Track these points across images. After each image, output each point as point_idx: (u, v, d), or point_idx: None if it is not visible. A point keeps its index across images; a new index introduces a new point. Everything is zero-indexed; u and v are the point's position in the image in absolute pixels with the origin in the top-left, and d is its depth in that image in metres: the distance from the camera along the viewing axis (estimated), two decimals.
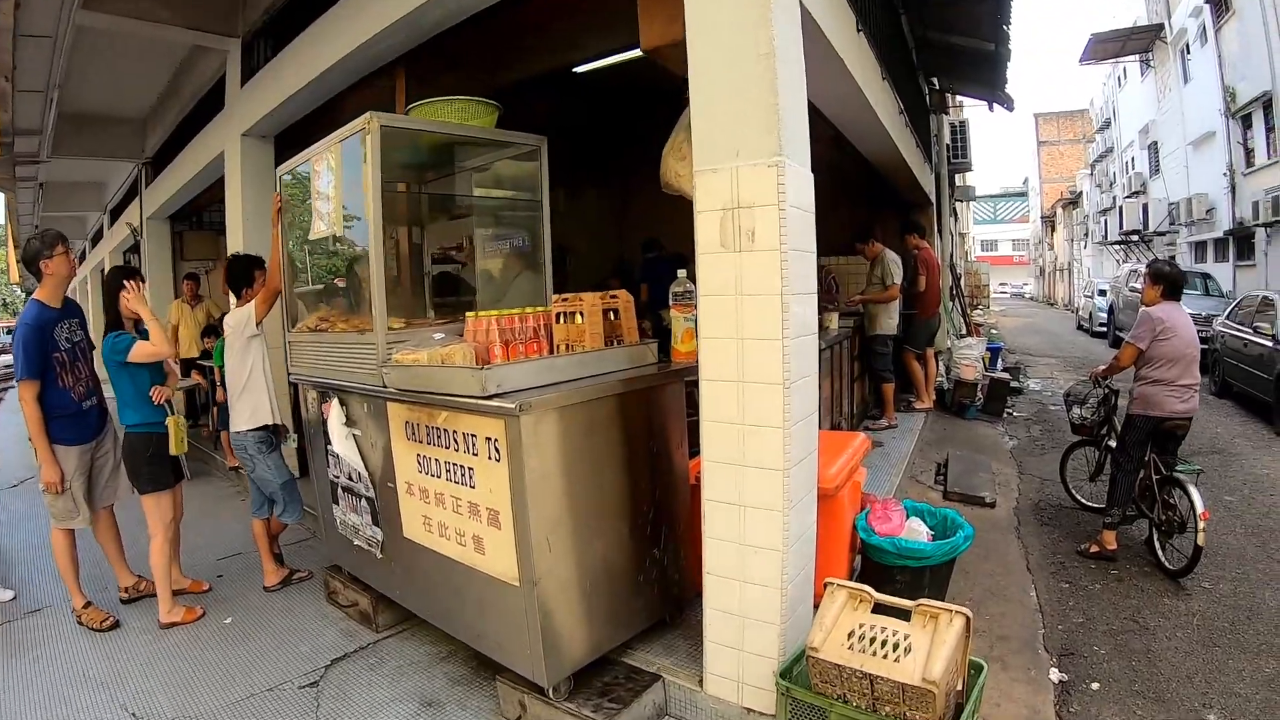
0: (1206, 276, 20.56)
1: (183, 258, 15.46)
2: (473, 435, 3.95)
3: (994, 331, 19.80)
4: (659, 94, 5.46)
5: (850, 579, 4.91)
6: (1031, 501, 8.07)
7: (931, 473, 8.56)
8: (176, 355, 10.04)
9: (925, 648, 3.13)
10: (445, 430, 4.15)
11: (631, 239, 12.85)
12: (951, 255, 15.82)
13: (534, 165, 5.66)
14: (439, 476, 4.26)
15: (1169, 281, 6.32)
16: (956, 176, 18.59)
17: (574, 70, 8.81)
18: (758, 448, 3.65)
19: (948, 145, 15.17)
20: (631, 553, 4.34)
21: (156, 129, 13.50)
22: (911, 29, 11.30)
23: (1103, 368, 6.95)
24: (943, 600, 4.91)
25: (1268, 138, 20.36)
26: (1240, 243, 22.39)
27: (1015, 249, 74.41)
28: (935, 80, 13.99)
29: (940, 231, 14.13)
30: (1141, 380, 6.25)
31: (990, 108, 13.77)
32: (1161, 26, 28.08)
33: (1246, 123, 21.73)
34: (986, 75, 11.80)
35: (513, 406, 3.62)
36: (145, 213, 14.66)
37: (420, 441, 4.36)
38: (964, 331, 15.65)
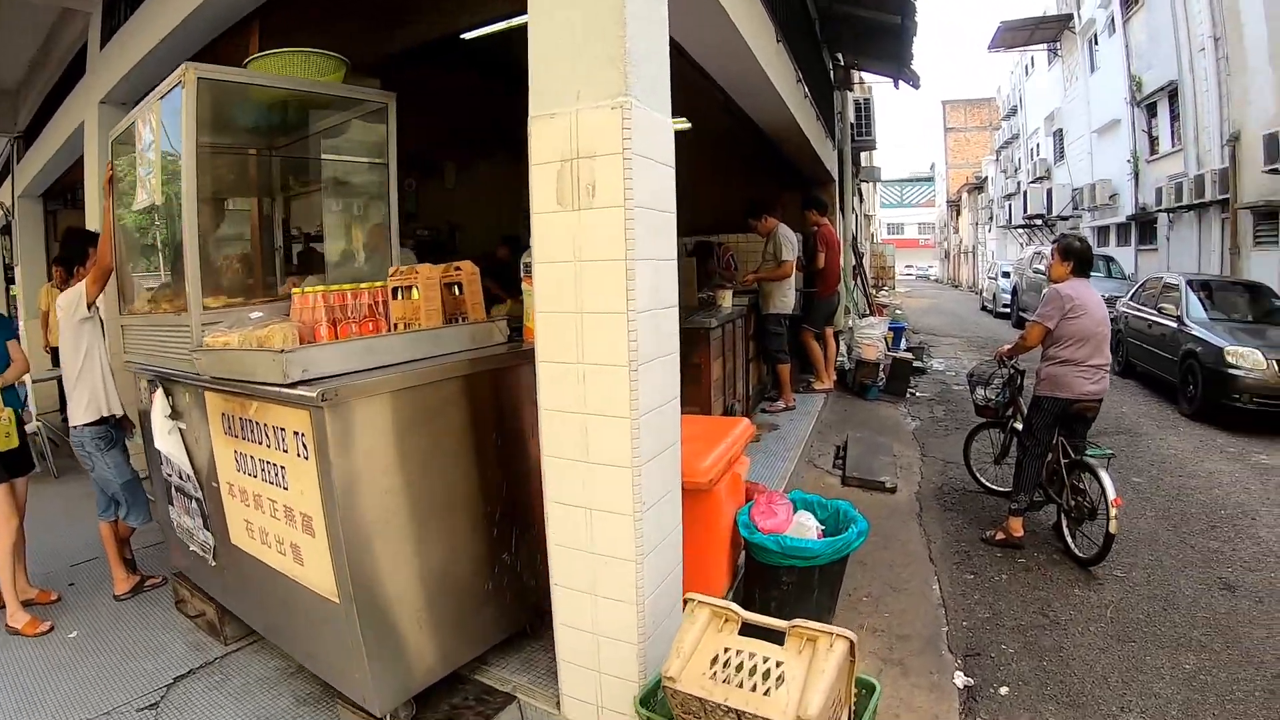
0: (1109, 259, 20.80)
1: (56, 239, 14.40)
2: (282, 429, 3.32)
3: (898, 312, 19.65)
4: None
5: (733, 581, 4.44)
6: (934, 485, 7.64)
7: (830, 456, 8.12)
8: (46, 345, 9.23)
9: (801, 678, 2.58)
10: (257, 423, 3.51)
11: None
12: (855, 235, 15.44)
13: (384, 127, 5.03)
14: (255, 476, 3.63)
15: (1078, 257, 5.87)
16: (862, 155, 18.36)
17: (462, 37, 8.12)
18: (602, 441, 3.09)
19: (852, 123, 14.79)
20: (478, 557, 3.76)
21: (27, 100, 12.45)
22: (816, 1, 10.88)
23: (1008, 347, 6.54)
24: (834, 602, 4.45)
25: (1172, 126, 20.57)
26: (1143, 227, 22.73)
27: (921, 232, 75.73)
28: (840, 56, 13.62)
29: (843, 209, 13.74)
30: (1049, 360, 5.83)
31: (896, 85, 13.45)
32: (1070, 16, 28.30)
33: (1151, 111, 22.00)
34: (892, 50, 11.44)
35: (314, 396, 3.02)
36: (16, 191, 13.51)
37: (236, 436, 3.71)
38: (866, 311, 15.28)
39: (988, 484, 7.30)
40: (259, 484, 3.59)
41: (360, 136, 5.31)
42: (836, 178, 13.05)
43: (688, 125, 10.20)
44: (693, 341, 7.32)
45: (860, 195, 23.13)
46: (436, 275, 3.93)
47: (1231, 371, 10.01)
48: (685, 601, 3.02)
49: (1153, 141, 22.07)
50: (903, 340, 14.90)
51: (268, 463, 3.49)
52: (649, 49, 3.10)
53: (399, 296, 3.91)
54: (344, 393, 3.09)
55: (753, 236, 9.85)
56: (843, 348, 11.81)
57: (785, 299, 9.25)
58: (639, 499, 3.03)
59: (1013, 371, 6.69)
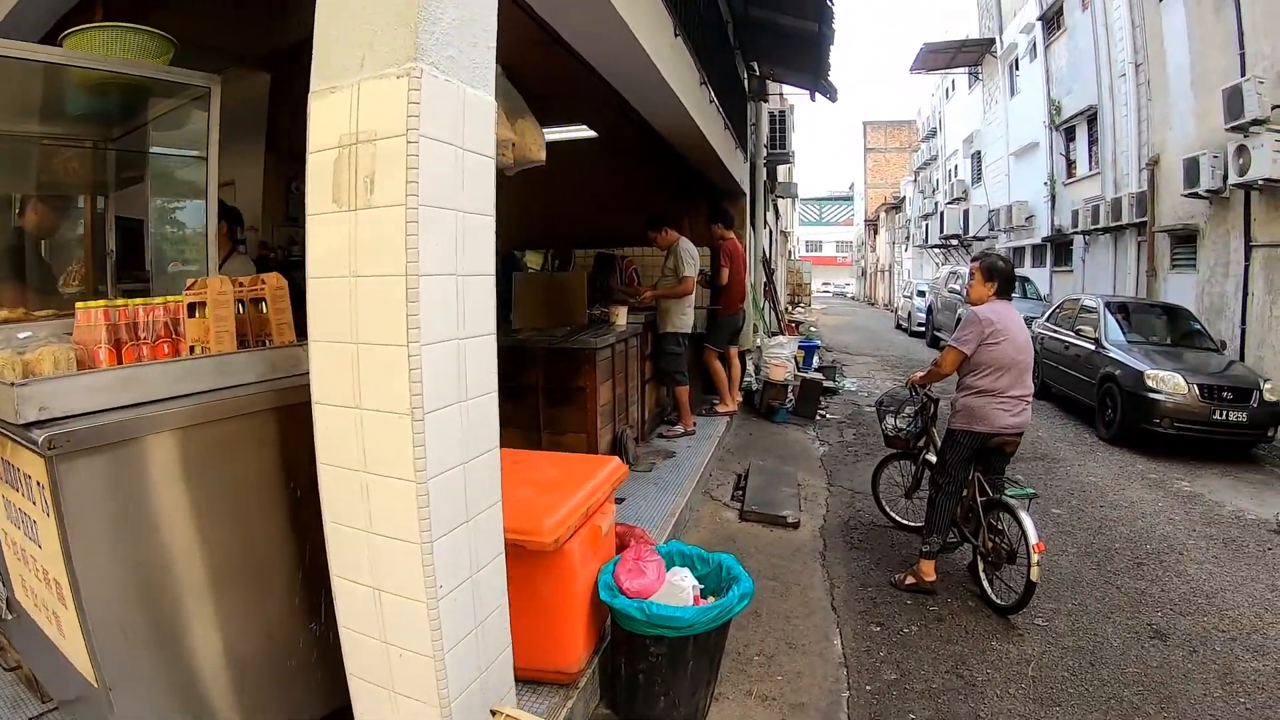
0: (1025, 280, 20.59)
1: None
2: (29, 476, 2.56)
3: (813, 329, 19.23)
4: None
5: (596, 650, 3.76)
6: (841, 520, 7.01)
7: (730, 486, 7.52)
8: None
9: None
10: (14, 467, 2.71)
11: None
12: (766, 250, 14.83)
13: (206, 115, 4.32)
14: (19, 528, 2.84)
15: (1003, 278, 5.30)
16: (779, 170, 17.88)
17: None
18: (385, 508, 2.41)
19: (766, 136, 14.26)
20: (279, 630, 3.00)
21: None
22: (730, 3, 10.29)
23: (920, 374, 5.93)
24: (714, 674, 3.79)
25: (1090, 150, 20.57)
26: (1058, 249, 22.73)
27: (839, 250, 76.21)
28: (756, 65, 13.07)
29: (754, 225, 13.16)
30: (966, 390, 5.24)
31: (813, 97, 12.96)
32: (993, 41, 28.43)
33: (1070, 135, 22.03)
34: (809, 60, 10.92)
35: (40, 441, 2.26)
36: None
37: (3, 480, 2.90)
38: (776, 330, 14.68)
39: (898, 518, 6.71)
40: (22, 537, 2.83)
41: (199, 125, 4.50)
42: (748, 191, 12.42)
43: (592, 134, 9.65)
44: (577, 363, 6.78)
45: (777, 211, 22.70)
46: (230, 289, 3.17)
47: (1152, 396, 9.72)
48: (492, 715, 2.33)
49: (1070, 165, 22.10)
50: (815, 359, 14.36)
51: (24, 514, 2.73)
52: (460, 6, 2.42)
53: (195, 314, 3.15)
54: (80, 438, 2.35)
55: (657, 250, 9.21)
56: (750, 368, 11.24)
57: (684, 317, 8.62)
58: (434, 581, 2.36)
59: (925, 399, 6.09)
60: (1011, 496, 5.21)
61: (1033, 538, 4.80)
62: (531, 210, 11.74)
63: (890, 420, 6.15)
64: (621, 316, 7.76)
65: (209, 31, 5.20)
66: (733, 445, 9.17)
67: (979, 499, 5.32)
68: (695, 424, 8.90)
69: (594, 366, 6.73)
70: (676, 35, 6.27)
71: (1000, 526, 5.22)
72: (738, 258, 9.52)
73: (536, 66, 6.02)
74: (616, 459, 4.13)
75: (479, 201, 2.59)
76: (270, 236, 10.16)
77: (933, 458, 5.88)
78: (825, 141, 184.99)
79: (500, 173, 3.60)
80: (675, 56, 6.33)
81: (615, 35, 5.17)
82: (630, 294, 9.23)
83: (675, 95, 6.48)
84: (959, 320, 5.46)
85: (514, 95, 5.43)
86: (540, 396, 7.01)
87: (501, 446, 2.87)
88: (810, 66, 11.21)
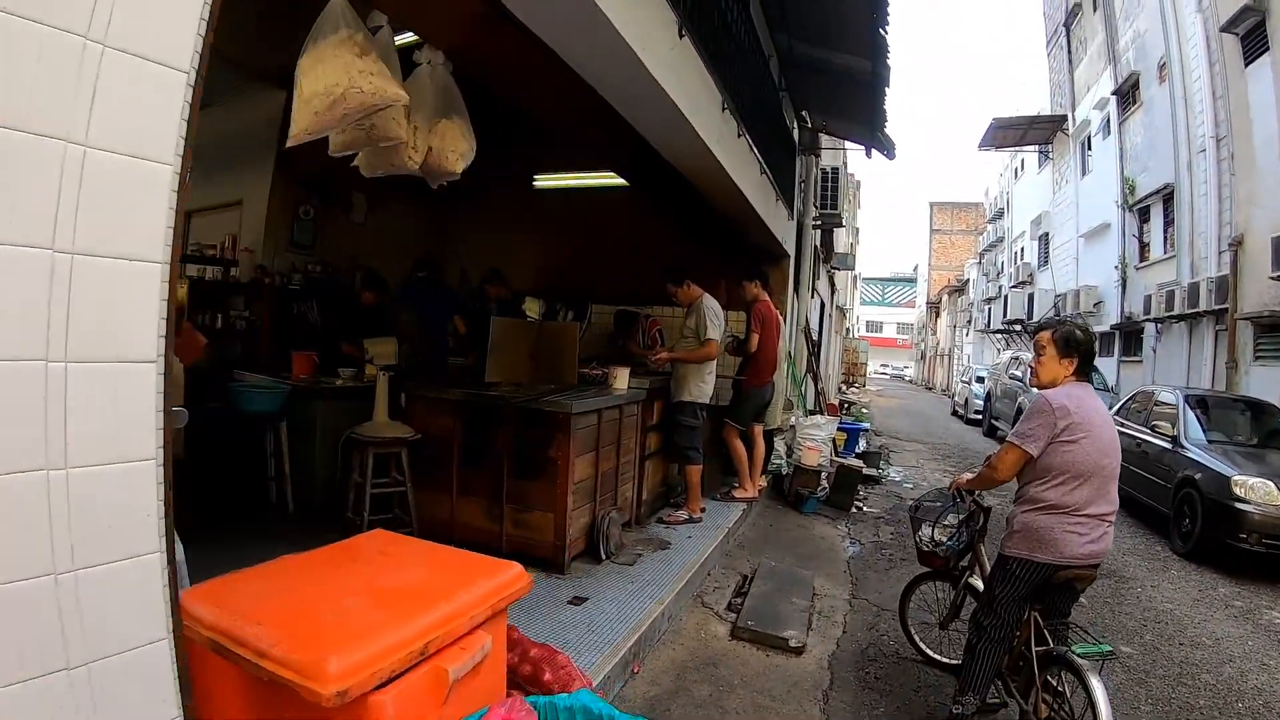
0: (1093, 369, 18.92)
1: None
2: None
3: (863, 411, 17.80)
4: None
5: None
6: (858, 646, 5.58)
7: (729, 591, 6.22)
8: None
9: None
10: None
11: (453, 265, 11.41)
12: (809, 319, 13.43)
13: None
14: None
15: (1084, 352, 3.94)
16: (836, 240, 16.67)
17: None
18: None
19: (818, 195, 13.00)
20: None
21: None
22: (773, 35, 9.15)
23: (969, 476, 4.47)
24: None
25: (1165, 231, 19.17)
26: (1128, 337, 21.16)
27: (900, 332, 74.84)
28: (807, 115, 11.88)
29: (799, 290, 11.87)
30: (1029, 504, 3.82)
31: (868, 153, 11.76)
32: (1065, 118, 27.18)
33: (1144, 216, 20.64)
34: (865, 107, 9.72)
35: None
36: None
37: None
38: (815, 408, 13.32)
39: (929, 652, 5.26)
40: None
41: None
42: (792, 253, 11.18)
43: (622, 182, 8.74)
44: (548, 429, 5.68)
45: (832, 284, 21.39)
46: None
47: (1238, 506, 8.22)
48: None
49: (1143, 247, 20.63)
50: (859, 443, 12.85)
51: None
52: None
53: None
54: None
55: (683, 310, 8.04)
56: (782, 449, 9.89)
57: (703, 385, 7.41)
58: None
59: (974, 508, 4.62)
60: (1080, 653, 3.67)
61: (1104, 712, 3.37)
62: (548, 256, 10.75)
63: (926, 531, 4.75)
64: (622, 379, 6.62)
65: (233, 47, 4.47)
66: (746, 538, 7.87)
67: (1034, 648, 3.87)
68: (704, 510, 7.63)
69: (568, 435, 5.58)
70: (682, 36, 5.04)
71: (1060, 688, 3.77)
72: (771, 323, 8.29)
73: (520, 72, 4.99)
74: (518, 567, 2.83)
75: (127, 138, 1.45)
76: (271, 261, 9.38)
77: (977, 582, 4.54)
78: (891, 222, 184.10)
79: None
80: (679, 61, 5.08)
81: (603, 40, 3.98)
82: (648, 358, 8.04)
83: (678, 111, 5.22)
84: (1019, 411, 4.08)
85: (449, 91, 4.29)
86: (505, 464, 5.86)
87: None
88: (865, 115, 10.00)
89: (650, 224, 9.96)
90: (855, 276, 38.28)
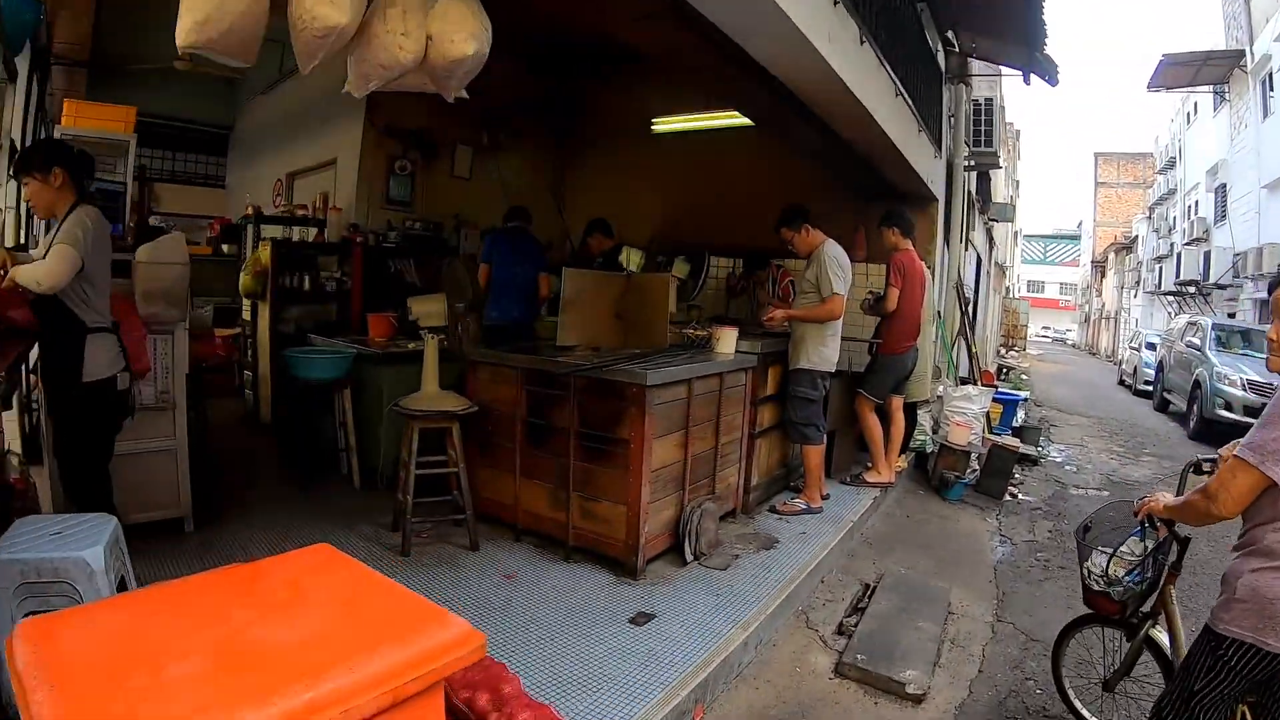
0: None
1: None
2: None
3: (1023, 378, 16.05)
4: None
5: None
6: (996, 693, 4.23)
7: (843, 606, 5.05)
8: None
9: None
10: None
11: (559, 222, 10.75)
12: (960, 274, 11.65)
13: None
14: None
15: None
16: (992, 188, 14.99)
17: None
18: None
19: (969, 132, 11.29)
20: None
21: None
22: None
23: (1168, 500, 2.95)
24: None
25: None
26: None
27: (1063, 292, 70.48)
28: (954, 35, 10.31)
29: (949, 240, 10.41)
30: (1262, 559, 2.39)
31: (1026, 79, 9.94)
32: (1242, 54, 24.22)
33: None
34: (1017, 22, 8.33)
35: None
36: None
37: None
38: (966, 376, 11.63)
39: (1087, 717, 3.87)
40: None
41: None
42: (941, 197, 9.74)
43: (747, 122, 7.59)
44: (620, 404, 4.64)
45: (991, 239, 19.43)
46: None
47: None
48: None
49: None
50: (1016, 414, 11.12)
51: None
52: None
53: None
54: None
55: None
56: (927, 423, 8.53)
57: (824, 350, 6.21)
58: None
59: (1166, 538, 3.21)
60: None
61: None
62: (665, 205, 9.79)
63: (1099, 561, 3.33)
64: (728, 341, 5.59)
65: None
66: (874, 533, 6.64)
67: None
68: (826, 498, 6.50)
69: (643, 411, 4.52)
70: None
71: None
72: (914, 276, 7.03)
73: None
74: (464, 626, 1.78)
75: None
76: (365, 219, 9.02)
77: (1162, 637, 3.27)
78: (1053, 175, 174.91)
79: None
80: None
81: None
82: (768, 308, 6.87)
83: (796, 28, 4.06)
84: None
85: None
86: (573, 444, 4.84)
87: None
88: (1022, 30, 8.50)
89: (776, 167, 8.73)
90: (1016, 232, 35.82)
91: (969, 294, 12.55)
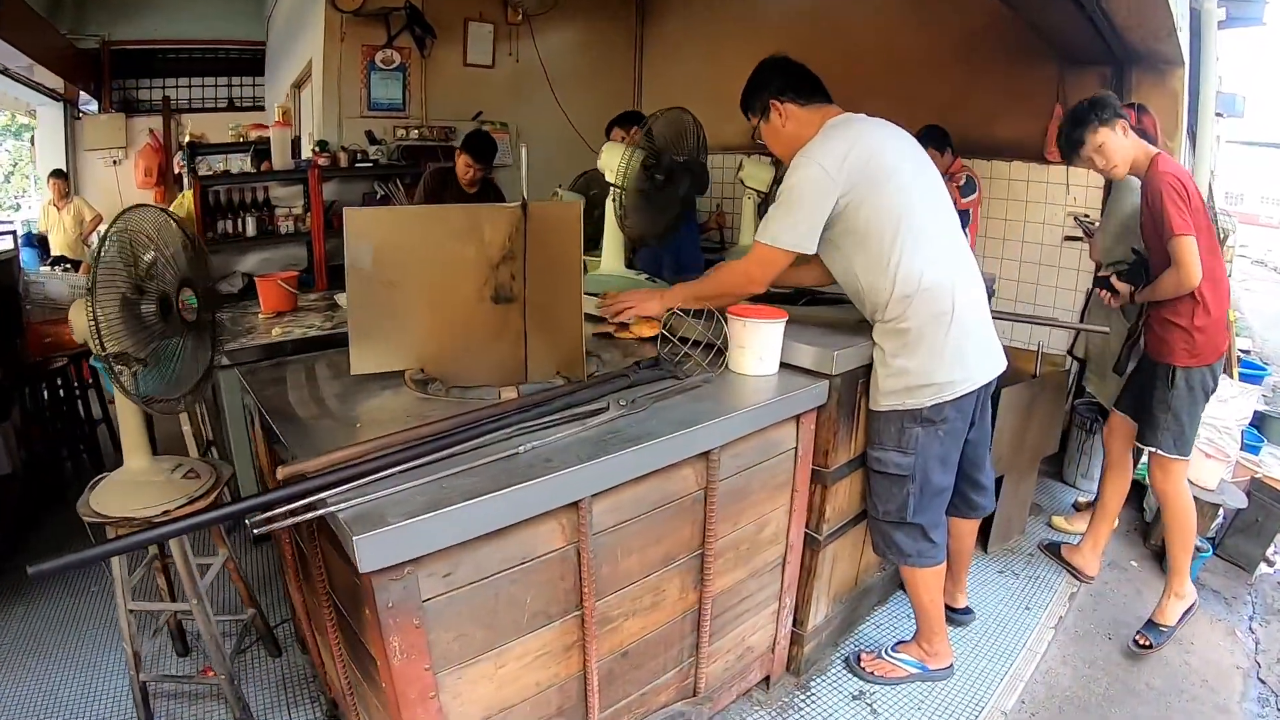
0: None
1: None
2: None
3: (1237, 319, 11.65)
4: None
5: None
6: None
7: None
8: None
9: None
10: None
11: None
12: (1211, 192, 6.92)
13: None
14: None
15: None
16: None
17: None
18: None
19: None
20: None
21: None
22: None
23: None
24: None
25: None
26: None
27: (1264, 204, 61.52)
28: None
29: (1196, 136, 5.87)
30: None
31: None
32: None
33: None
34: None
35: None
36: None
37: None
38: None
39: None
40: None
41: None
42: (1186, 58, 5.21)
43: None
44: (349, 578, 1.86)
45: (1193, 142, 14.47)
46: None
47: None
48: None
49: None
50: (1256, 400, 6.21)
51: None
52: None
53: None
54: None
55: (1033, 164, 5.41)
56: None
57: (920, 360, 2.67)
58: None
59: None
60: None
61: None
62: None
63: None
64: (771, 342, 2.71)
65: None
66: (1055, 689, 3.26)
67: None
68: (966, 612, 3.55)
69: (379, 618, 1.57)
70: None
71: None
72: (1200, 207, 3.29)
73: None
74: None
75: None
76: (338, 134, 7.15)
77: None
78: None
79: None
80: None
81: None
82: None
83: None
84: None
85: None
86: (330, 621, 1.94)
87: None
88: None
89: (914, 32, 6.07)
90: (1218, 136, 30.38)
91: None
